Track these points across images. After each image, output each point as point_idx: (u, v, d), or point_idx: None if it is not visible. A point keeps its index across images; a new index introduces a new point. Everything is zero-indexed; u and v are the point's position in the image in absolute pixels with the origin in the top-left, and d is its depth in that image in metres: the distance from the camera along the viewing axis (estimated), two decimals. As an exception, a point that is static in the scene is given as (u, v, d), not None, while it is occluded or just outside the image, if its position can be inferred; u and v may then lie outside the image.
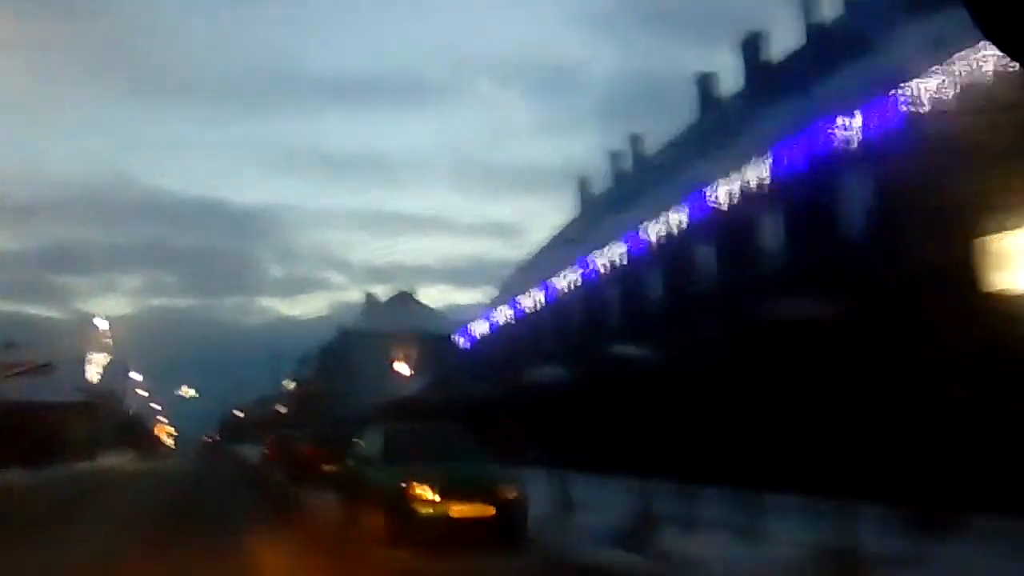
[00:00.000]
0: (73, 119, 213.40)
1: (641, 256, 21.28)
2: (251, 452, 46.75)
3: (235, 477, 30.14)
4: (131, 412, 70.67)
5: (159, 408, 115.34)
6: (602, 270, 23.68)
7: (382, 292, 74.57)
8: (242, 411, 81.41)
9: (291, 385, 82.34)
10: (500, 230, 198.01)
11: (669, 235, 19.72)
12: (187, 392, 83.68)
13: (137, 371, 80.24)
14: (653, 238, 20.48)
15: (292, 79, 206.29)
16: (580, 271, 25.18)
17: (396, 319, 66.74)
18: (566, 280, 26.27)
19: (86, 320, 62.57)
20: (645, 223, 20.75)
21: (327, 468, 17.50)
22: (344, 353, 66.87)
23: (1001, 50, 1.80)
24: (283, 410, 53.83)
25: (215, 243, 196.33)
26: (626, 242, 21.96)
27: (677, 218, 19.23)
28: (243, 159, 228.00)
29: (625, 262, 22.24)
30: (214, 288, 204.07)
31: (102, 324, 55.26)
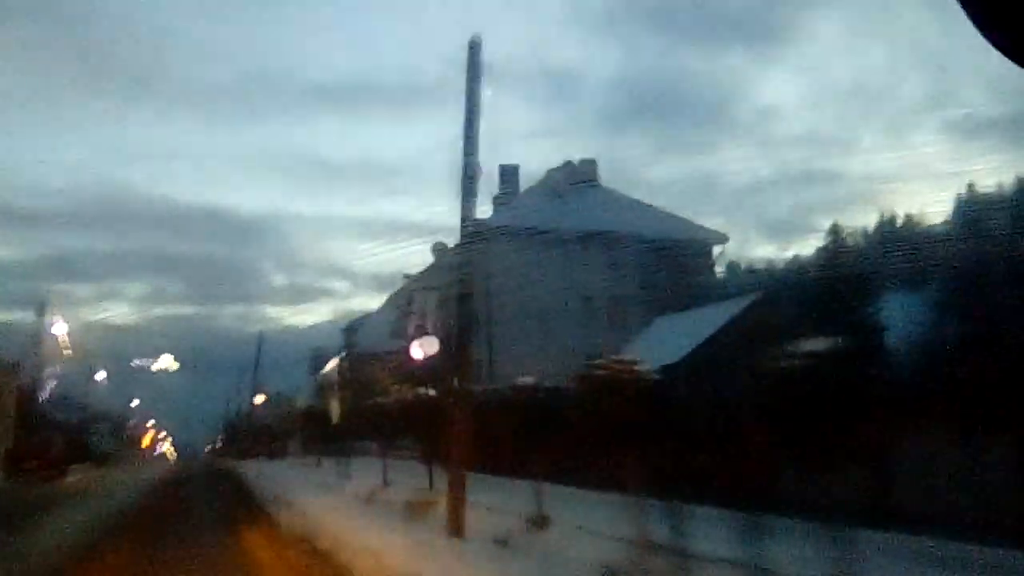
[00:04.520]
0: (70, 128, 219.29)
1: None
2: (313, 503, 12.98)
3: None
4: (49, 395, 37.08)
5: (137, 405, 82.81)
6: None
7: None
8: (264, 395, 47.85)
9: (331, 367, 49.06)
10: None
11: None
12: (167, 365, 50.46)
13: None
14: None
15: (288, 84, 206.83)
16: None
17: (574, 214, 32.81)
18: None
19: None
20: None
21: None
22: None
23: (1001, 51, 1.71)
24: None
25: (217, 251, 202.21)
26: None
27: None
28: (241, 166, 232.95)
29: None
30: (217, 296, 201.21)
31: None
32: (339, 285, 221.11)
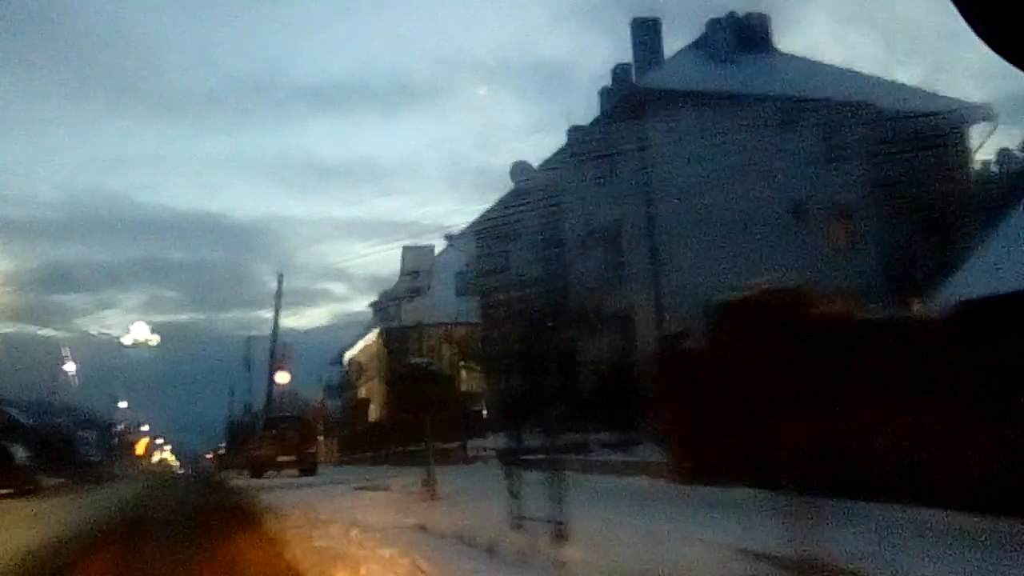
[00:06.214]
0: (62, 138, 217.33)
1: None
2: None
3: None
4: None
5: (124, 406, 70.95)
6: None
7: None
8: (288, 374, 35.94)
9: (367, 343, 37.33)
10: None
11: None
12: (146, 338, 38.81)
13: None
14: None
15: (278, 87, 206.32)
16: None
17: (757, 84, 20.95)
18: None
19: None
20: None
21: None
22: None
23: (1002, 55, 1.59)
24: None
25: (212, 257, 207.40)
26: None
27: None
28: (234, 171, 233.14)
29: None
30: (214, 303, 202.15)
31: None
32: (335, 287, 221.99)
